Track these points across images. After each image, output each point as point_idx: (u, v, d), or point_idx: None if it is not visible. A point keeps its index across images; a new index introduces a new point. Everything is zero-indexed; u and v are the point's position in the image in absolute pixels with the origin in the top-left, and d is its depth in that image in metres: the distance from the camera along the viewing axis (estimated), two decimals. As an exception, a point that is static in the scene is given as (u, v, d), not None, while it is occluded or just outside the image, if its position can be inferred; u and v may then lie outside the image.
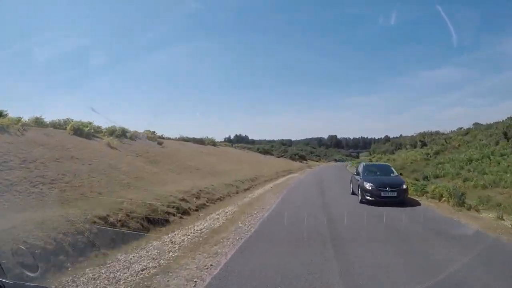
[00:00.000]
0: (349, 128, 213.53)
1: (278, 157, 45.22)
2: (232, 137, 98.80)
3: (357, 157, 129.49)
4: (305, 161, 53.18)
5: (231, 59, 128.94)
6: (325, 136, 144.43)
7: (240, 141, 76.53)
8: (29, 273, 3.11)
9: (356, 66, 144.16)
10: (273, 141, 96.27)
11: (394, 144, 68.75)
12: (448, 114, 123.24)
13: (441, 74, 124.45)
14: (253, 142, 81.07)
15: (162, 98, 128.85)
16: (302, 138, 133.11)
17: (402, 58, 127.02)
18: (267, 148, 46.54)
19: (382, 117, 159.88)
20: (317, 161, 63.59)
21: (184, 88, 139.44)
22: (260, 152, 42.08)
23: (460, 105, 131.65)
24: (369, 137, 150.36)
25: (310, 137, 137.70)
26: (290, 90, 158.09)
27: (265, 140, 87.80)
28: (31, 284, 2.22)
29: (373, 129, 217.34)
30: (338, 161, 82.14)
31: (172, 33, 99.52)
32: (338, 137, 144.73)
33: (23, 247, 4.15)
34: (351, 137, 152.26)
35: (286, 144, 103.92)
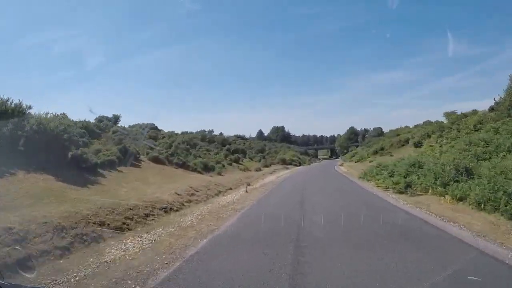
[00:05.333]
0: (297, 127, 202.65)
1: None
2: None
3: (316, 155, 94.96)
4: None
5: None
6: (267, 131, 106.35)
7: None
8: (26, 275, 3.18)
9: (307, 67, 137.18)
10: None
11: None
12: (397, 115, 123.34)
13: (391, 77, 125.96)
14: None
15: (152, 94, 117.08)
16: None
17: (354, 60, 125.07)
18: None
19: (332, 117, 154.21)
20: (231, 166, 22.68)
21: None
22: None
23: (408, 106, 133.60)
24: (318, 135, 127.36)
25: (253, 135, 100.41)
26: (235, 88, 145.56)
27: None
28: (28, 285, 2.38)
29: (322, 128, 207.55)
30: (292, 164, 43.03)
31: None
32: (285, 129, 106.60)
33: (19, 248, 4.07)
34: (300, 135, 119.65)
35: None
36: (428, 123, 39.20)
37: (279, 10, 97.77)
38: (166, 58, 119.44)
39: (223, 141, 33.49)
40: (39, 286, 2.87)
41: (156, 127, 36.42)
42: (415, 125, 41.61)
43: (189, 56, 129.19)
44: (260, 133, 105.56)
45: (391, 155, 26.60)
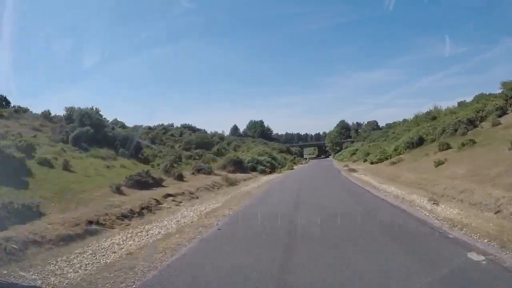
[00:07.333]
0: (281, 125, 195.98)
1: None
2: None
3: (301, 154, 79.45)
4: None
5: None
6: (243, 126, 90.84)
7: None
8: (22, 273, 3.07)
9: (291, 66, 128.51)
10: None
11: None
12: (381, 113, 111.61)
13: (376, 75, 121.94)
14: None
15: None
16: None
17: (338, 59, 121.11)
18: None
19: (316, 116, 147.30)
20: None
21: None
22: None
23: (391, 105, 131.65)
24: (302, 133, 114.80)
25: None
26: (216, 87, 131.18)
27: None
28: (25, 284, 2.40)
29: (307, 127, 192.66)
30: (257, 169, 26.23)
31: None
32: (265, 124, 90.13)
33: (15, 246, 3.95)
34: (284, 133, 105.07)
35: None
36: (480, 96, 24.19)
37: (267, 10, 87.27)
38: (157, 58, 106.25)
39: (82, 118, 15.14)
40: (35, 285, 2.63)
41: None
42: (458, 103, 26.87)
43: (180, 55, 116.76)
44: (235, 128, 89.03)
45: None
